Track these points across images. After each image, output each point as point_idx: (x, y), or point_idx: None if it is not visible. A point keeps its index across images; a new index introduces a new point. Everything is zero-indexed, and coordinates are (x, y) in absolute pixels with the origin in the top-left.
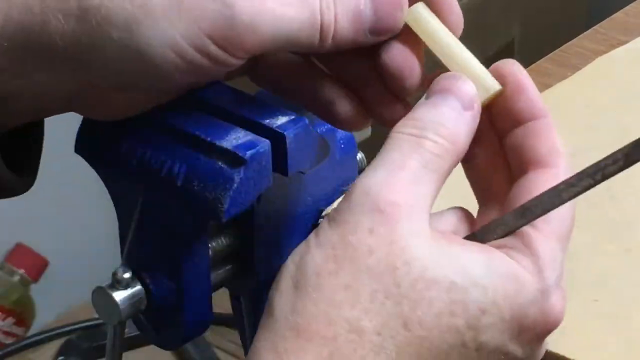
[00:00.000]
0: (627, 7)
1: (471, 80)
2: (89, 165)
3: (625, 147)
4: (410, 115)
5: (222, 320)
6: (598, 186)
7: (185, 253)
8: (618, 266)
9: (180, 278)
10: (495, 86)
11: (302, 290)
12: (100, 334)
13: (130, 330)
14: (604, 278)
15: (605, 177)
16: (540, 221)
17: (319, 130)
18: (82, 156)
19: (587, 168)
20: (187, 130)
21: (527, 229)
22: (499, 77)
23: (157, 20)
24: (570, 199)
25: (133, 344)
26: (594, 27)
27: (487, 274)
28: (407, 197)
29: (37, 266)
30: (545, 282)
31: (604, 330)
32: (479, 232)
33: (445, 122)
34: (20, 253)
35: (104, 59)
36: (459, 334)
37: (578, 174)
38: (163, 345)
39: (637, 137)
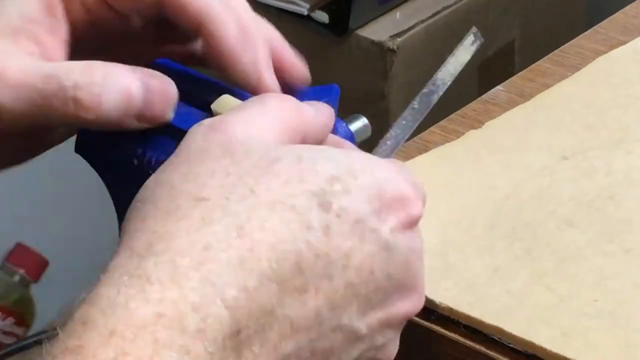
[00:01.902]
0: (627, 7)
1: None
2: (89, 165)
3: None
4: None
5: None
6: (598, 185)
7: None
8: (618, 266)
9: None
10: None
11: (141, 201)
12: None
13: None
14: (604, 278)
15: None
16: None
17: None
18: (82, 156)
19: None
20: (187, 130)
21: None
22: None
23: None
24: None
25: None
26: (594, 27)
27: (338, 152)
28: (249, 117)
29: (37, 266)
30: (399, 166)
31: (604, 330)
32: None
33: None
34: (20, 253)
35: None
36: (315, 196)
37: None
38: None
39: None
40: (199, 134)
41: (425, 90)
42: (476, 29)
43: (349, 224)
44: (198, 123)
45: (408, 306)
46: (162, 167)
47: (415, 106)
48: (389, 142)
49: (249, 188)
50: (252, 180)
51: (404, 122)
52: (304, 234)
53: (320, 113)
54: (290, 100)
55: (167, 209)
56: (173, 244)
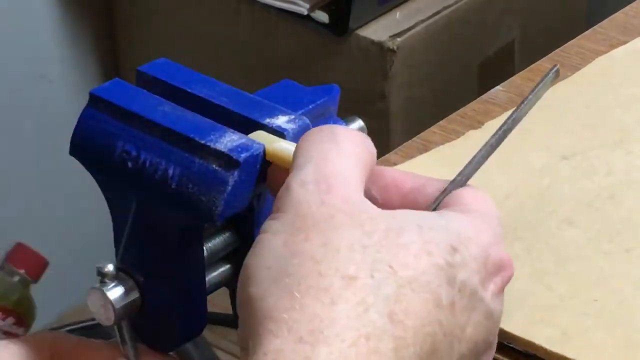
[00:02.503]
0: (627, 7)
1: None
2: None
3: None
4: None
5: (222, 320)
6: (598, 185)
7: (179, 255)
8: (618, 266)
9: (174, 280)
10: None
11: (278, 271)
12: (100, 334)
13: None
14: (604, 278)
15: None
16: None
17: None
18: (77, 158)
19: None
20: (182, 133)
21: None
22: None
23: None
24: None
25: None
26: (594, 27)
27: (445, 219)
28: (341, 168)
29: (37, 266)
30: (495, 229)
31: (604, 330)
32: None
33: None
34: (20, 253)
35: None
36: (442, 271)
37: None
38: (157, 348)
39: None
40: (311, 195)
41: (504, 127)
42: (557, 66)
43: (467, 297)
44: (299, 181)
45: None
46: (276, 227)
47: (493, 142)
48: (465, 173)
49: (387, 264)
50: (388, 255)
51: (480, 154)
52: (437, 314)
53: (369, 142)
54: (359, 137)
55: (317, 286)
56: (337, 331)
